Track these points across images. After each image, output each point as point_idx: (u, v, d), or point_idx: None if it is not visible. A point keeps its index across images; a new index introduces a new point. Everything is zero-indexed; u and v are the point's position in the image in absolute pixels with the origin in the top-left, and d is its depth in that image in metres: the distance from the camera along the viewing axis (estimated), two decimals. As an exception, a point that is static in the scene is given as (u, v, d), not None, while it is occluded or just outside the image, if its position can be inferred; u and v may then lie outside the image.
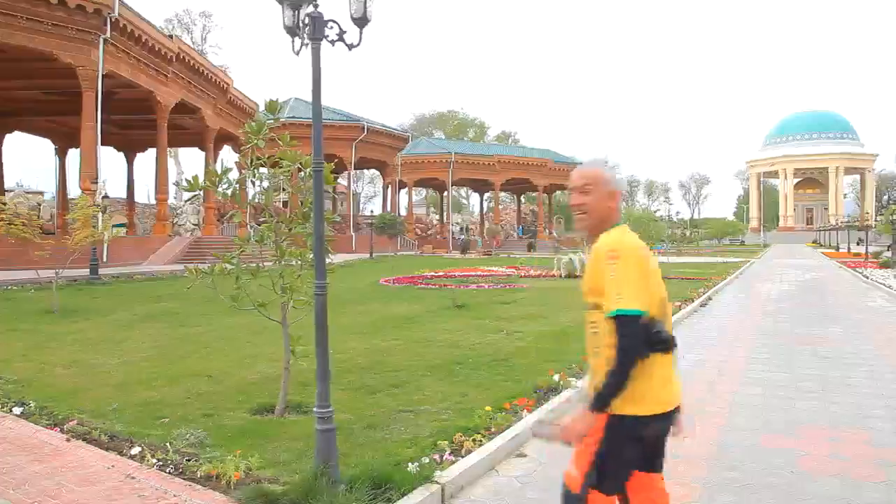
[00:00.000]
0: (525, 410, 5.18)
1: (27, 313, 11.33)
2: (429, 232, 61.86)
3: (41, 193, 44.03)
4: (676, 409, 2.28)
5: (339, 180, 53.33)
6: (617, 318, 2.07)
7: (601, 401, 2.12)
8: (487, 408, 5.09)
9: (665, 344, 2.17)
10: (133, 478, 3.81)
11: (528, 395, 5.57)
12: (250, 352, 7.76)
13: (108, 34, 22.60)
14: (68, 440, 4.48)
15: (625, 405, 2.12)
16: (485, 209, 72.27)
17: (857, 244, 43.92)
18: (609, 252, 2.13)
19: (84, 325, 10.11)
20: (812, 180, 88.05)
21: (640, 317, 2.08)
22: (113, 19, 22.52)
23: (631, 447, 2.20)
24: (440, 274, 21.88)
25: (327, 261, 4.11)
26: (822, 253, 44.67)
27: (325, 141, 3.91)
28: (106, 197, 22.44)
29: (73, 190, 28.36)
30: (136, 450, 4.20)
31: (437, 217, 69.85)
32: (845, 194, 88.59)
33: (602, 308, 2.15)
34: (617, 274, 2.10)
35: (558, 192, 69.49)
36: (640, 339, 2.10)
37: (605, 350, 2.13)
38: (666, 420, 2.24)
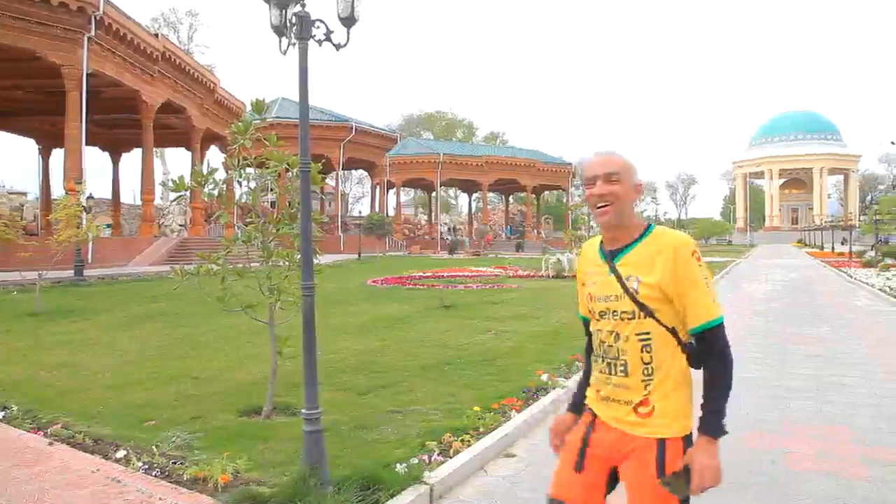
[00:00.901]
0: (513, 410, 5.18)
1: (10, 315, 11.18)
2: (417, 232, 61.81)
3: (24, 194, 43.48)
4: None
5: (327, 181, 53.20)
6: (720, 325, 1.87)
7: (722, 422, 1.86)
8: (476, 408, 5.09)
9: None
10: (118, 481, 3.76)
11: (516, 395, 5.57)
12: (238, 353, 7.70)
13: (93, 33, 22.40)
14: (51, 444, 4.42)
15: (689, 421, 1.90)
16: (473, 209, 72.31)
17: (842, 244, 44.44)
18: (695, 251, 1.89)
19: (69, 327, 10.00)
20: (797, 181, 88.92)
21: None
22: (98, 18, 22.32)
23: None
24: (428, 274, 21.85)
25: (315, 261, 4.09)
26: (807, 252, 45.14)
27: (312, 141, 3.89)
28: (91, 197, 22.24)
29: (58, 190, 28.01)
30: (121, 453, 4.16)
31: (426, 217, 69.80)
32: (830, 195, 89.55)
33: (659, 318, 1.89)
34: (707, 277, 1.89)
35: (546, 193, 69.72)
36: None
37: (665, 365, 1.90)
38: None
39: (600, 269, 2.01)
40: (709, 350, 1.88)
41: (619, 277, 1.95)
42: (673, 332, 1.90)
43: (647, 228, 1.99)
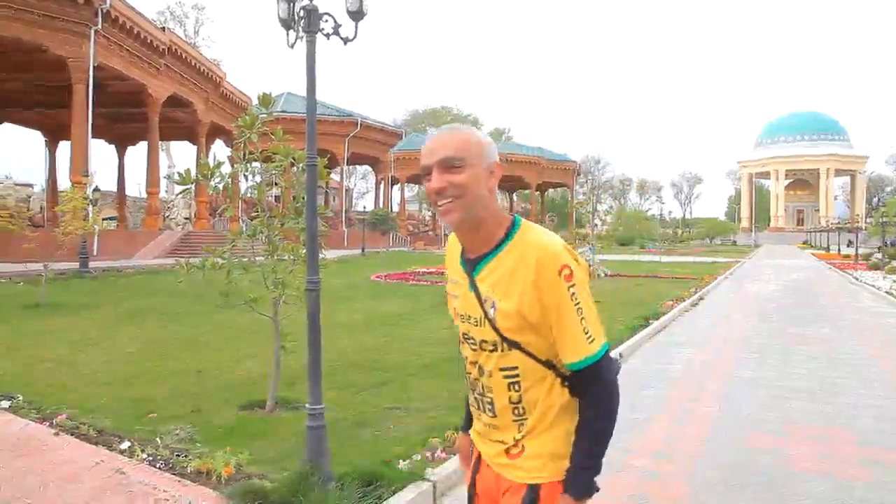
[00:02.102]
0: (516, 408, 5.17)
1: (15, 307, 11.21)
2: (421, 228, 61.79)
3: (31, 186, 43.64)
4: None
5: (331, 175, 53.18)
6: (597, 362, 1.44)
7: (593, 479, 1.46)
8: (479, 405, 5.07)
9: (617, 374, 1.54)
10: (122, 473, 3.78)
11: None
12: (241, 348, 7.72)
13: (100, 26, 22.39)
14: (56, 434, 4.44)
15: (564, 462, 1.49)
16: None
17: (848, 246, 44.28)
18: (565, 267, 1.42)
19: (73, 320, 10.03)
20: (803, 181, 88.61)
21: (610, 348, 1.52)
22: (104, 11, 22.31)
23: None
24: (432, 270, 21.86)
25: (320, 256, 4.09)
26: (812, 254, 44.99)
27: (317, 136, 3.88)
28: (97, 190, 22.29)
29: (64, 182, 28.11)
30: (125, 445, 4.17)
31: (430, 213, 69.78)
32: (836, 196, 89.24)
33: (529, 351, 1.47)
34: (581, 301, 1.43)
35: (551, 191, 69.61)
36: (615, 378, 1.50)
37: (540, 403, 1.49)
38: None
39: (462, 280, 1.57)
40: (584, 391, 1.47)
41: (478, 297, 1.51)
42: (549, 364, 1.48)
43: (512, 227, 1.51)
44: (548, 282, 1.41)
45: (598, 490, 1.46)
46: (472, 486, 1.65)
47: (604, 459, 1.47)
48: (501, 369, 1.50)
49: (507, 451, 1.53)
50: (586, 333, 1.42)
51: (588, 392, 1.46)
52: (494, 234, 1.50)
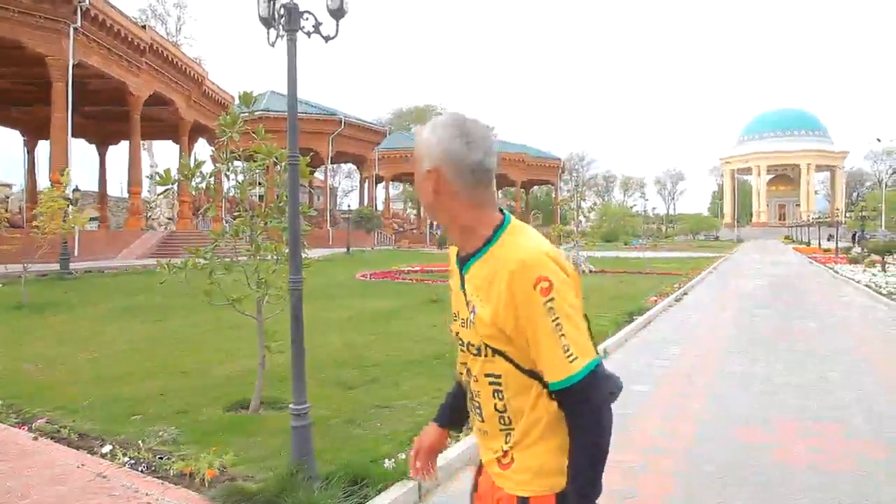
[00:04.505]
0: (502, 405, 5.17)
1: (-5, 308, 11.05)
2: (406, 227, 61.72)
3: (9, 186, 43.05)
4: None
5: (316, 174, 52.92)
6: (583, 380, 1.31)
7: (589, 496, 1.36)
8: (465, 403, 5.08)
9: (617, 393, 1.43)
10: (104, 476, 3.73)
11: (505, 390, 5.56)
12: (226, 347, 7.66)
13: (79, 23, 22.09)
14: (36, 439, 4.38)
15: (561, 477, 1.39)
16: (463, 204, 72.28)
17: (828, 240, 44.85)
18: (541, 279, 1.31)
19: (55, 321, 9.90)
20: (784, 177, 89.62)
21: (600, 365, 1.37)
22: (84, 8, 22.00)
23: None
24: (417, 269, 21.84)
25: (303, 255, 4.07)
26: (794, 248, 45.52)
27: (301, 134, 3.86)
28: (77, 189, 22.01)
29: (43, 182, 27.72)
30: (106, 448, 4.12)
31: (415, 212, 69.69)
32: (816, 191, 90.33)
33: (512, 359, 1.38)
34: (560, 317, 1.31)
35: (535, 188, 69.81)
36: (607, 397, 1.37)
37: (526, 414, 1.41)
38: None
39: (457, 277, 1.52)
40: (568, 412, 1.36)
41: (465, 297, 1.46)
42: (533, 374, 1.38)
43: (500, 227, 1.42)
44: (523, 295, 1.31)
45: None
46: (475, 486, 1.61)
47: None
48: (486, 375, 1.43)
49: (498, 460, 1.47)
50: (566, 351, 1.30)
51: (572, 414, 1.35)
52: (479, 233, 1.42)
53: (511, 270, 1.32)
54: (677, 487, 3.84)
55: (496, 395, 1.44)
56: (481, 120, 1.45)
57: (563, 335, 1.31)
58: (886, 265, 21.44)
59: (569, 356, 1.31)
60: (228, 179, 5.28)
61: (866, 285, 16.46)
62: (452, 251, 1.57)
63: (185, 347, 7.76)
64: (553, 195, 67.29)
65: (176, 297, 11.69)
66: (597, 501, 1.36)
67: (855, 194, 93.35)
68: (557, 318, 1.31)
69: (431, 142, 1.41)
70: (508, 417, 1.44)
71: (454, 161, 1.38)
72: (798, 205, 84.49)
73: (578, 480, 1.35)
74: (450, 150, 1.39)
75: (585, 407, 1.33)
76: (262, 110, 35.76)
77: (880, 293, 14.65)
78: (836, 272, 21.49)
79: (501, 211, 1.45)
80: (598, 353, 1.39)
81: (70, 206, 17.61)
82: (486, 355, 1.41)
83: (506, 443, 1.45)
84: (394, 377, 6.17)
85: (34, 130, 32.69)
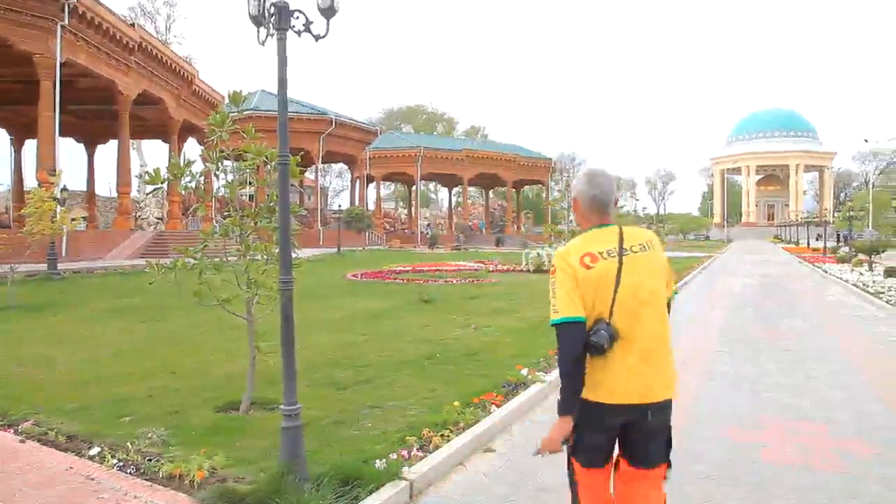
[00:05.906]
0: (493, 405, 5.18)
1: (-19, 309, 10.94)
2: (398, 227, 61.64)
3: (-4, 185, 42.61)
4: (647, 406, 2.27)
5: (306, 174, 52.78)
6: (555, 327, 2.25)
7: (559, 403, 2.25)
8: (456, 403, 5.08)
9: (599, 344, 2.19)
10: (92, 479, 3.70)
11: (496, 390, 5.57)
12: (216, 348, 7.61)
13: (66, 21, 21.90)
14: (23, 442, 4.33)
15: (587, 391, 2.25)
16: (454, 204, 72.28)
17: (817, 239, 45.18)
18: (553, 266, 2.35)
19: (44, 322, 9.82)
20: (773, 177, 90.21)
21: (562, 324, 2.22)
22: (71, 6, 21.82)
23: (590, 433, 2.30)
24: (408, 269, 21.81)
25: (293, 255, 4.05)
26: (783, 248, 45.85)
27: (291, 134, 3.84)
28: (65, 189, 21.80)
29: (31, 182, 27.47)
30: (95, 450, 4.08)
31: (406, 212, 69.62)
32: (805, 191, 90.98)
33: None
34: (556, 287, 2.30)
35: (526, 188, 69.87)
36: (567, 342, 2.22)
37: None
38: (625, 413, 2.26)
39: None
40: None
41: None
42: None
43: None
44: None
45: (563, 413, 2.23)
46: None
47: (566, 401, 2.23)
48: None
49: None
50: (553, 306, 2.26)
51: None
52: None
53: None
54: (669, 487, 3.84)
55: None
56: (607, 170, 2.41)
57: (553, 297, 2.27)
58: (873, 264, 21.64)
59: (553, 309, 2.26)
60: (218, 179, 5.25)
61: (854, 284, 16.60)
62: None
63: (174, 348, 7.70)
64: (544, 195, 67.37)
65: (164, 299, 11.62)
66: None
67: (843, 194, 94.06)
68: (553, 288, 2.28)
69: (574, 184, 2.43)
70: None
71: (580, 195, 2.39)
72: (787, 205, 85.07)
73: (560, 388, 2.27)
74: (579, 189, 2.40)
75: (559, 344, 2.25)
76: (252, 109, 35.64)
77: (867, 292, 14.79)
78: (825, 271, 21.65)
79: (607, 225, 2.35)
80: (571, 315, 2.21)
81: (59, 207, 17.49)
82: None
83: None
84: (385, 378, 6.15)
85: (21, 129, 32.40)
